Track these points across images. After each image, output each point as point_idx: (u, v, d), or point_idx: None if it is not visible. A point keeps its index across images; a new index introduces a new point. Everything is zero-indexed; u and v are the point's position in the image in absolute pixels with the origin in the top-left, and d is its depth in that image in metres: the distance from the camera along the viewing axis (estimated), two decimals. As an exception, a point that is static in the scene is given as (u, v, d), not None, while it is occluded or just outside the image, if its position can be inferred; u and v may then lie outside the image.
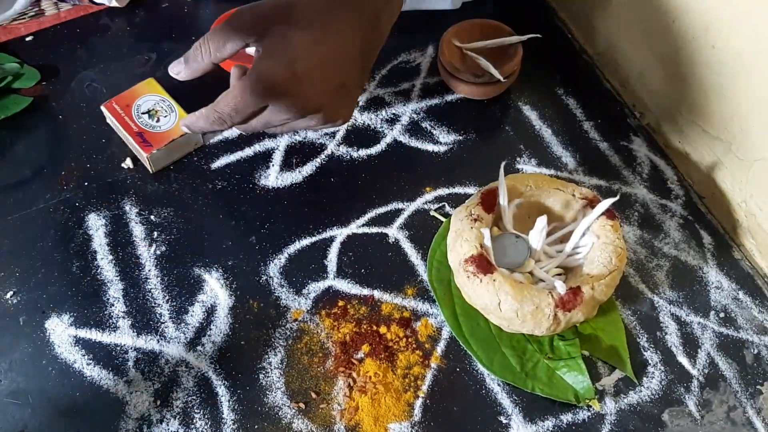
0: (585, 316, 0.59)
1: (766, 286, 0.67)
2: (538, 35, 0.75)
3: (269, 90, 0.57)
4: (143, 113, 0.71)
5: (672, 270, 0.67)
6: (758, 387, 0.61)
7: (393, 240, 0.68)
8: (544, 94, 0.78)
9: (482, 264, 0.59)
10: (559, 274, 0.62)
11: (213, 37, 0.58)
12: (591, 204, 0.62)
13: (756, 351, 0.63)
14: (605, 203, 0.61)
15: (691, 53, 0.68)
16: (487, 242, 0.60)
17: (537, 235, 0.61)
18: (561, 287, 0.57)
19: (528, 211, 0.65)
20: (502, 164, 0.63)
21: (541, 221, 0.60)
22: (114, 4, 0.82)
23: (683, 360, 0.62)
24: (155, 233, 0.67)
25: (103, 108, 0.72)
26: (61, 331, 0.62)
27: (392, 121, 0.76)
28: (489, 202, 0.62)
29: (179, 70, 0.61)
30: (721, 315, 0.65)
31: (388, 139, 0.74)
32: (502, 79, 0.73)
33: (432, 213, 0.69)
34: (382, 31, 0.63)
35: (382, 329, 0.63)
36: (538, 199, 0.64)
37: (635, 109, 0.78)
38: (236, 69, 0.61)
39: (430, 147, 0.74)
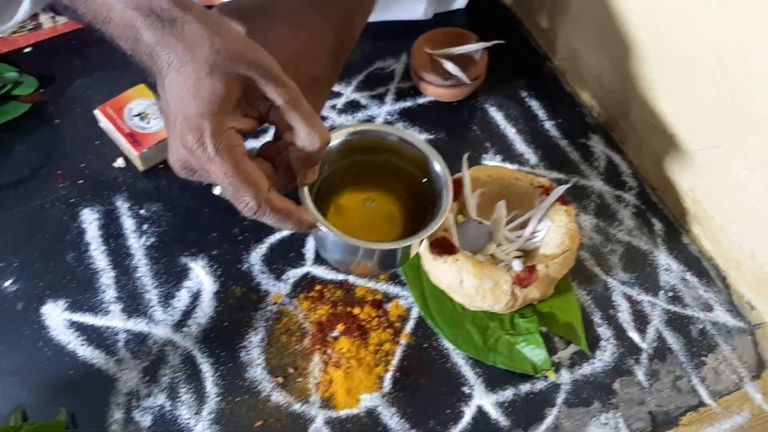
0: (541, 293, 0.64)
1: (711, 267, 0.72)
2: (502, 41, 0.81)
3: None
4: (134, 116, 0.76)
5: (625, 254, 0.72)
6: (703, 358, 0.66)
7: (367, 230, 0.73)
8: (510, 97, 0.84)
9: (446, 246, 0.64)
10: (519, 257, 0.67)
11: None
12: (547, 191, 0.67)
13: (701, 326, 0.68)
14: (559, 189, 0.66)
15: (640, 55, 0.73)
16: (451, 226, 0.65)
17: (497, 220, 0.66)
18: (517, 265, 0.62)
19: (490, 200, 0.70)
20: (465, 156, 0.68)
21: (500, 206, 0.65)
22: (108, 17, 0.87)
23: (633, 335, 0.67)
24: (145, 226, 0.72)
25: (97, 111, 0.77)
26: (56, 315, 0.67)
27: (368, 122, 0.81)
28: (454, 191, 0.67)
29: None
30: (670, 294, 0.70)
31: (363, 139, 0.80)
32: (468, 81, 0.78)
33: (403, 205, 0.75)
34: (354, 31, 0.69)
35: (356, 310, 0.67)
36: (498, 188, 0.69)
37: (593, 109, 0.83)
38: None
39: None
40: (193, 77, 0.45)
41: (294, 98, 0.48)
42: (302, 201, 0.52)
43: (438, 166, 0.56)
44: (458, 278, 0.63)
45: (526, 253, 0.68)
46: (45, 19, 0.88)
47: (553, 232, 0.65)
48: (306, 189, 0.52)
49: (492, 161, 0.78)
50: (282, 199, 0.49)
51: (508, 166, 0.78)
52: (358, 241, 0.52)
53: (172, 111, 0.47)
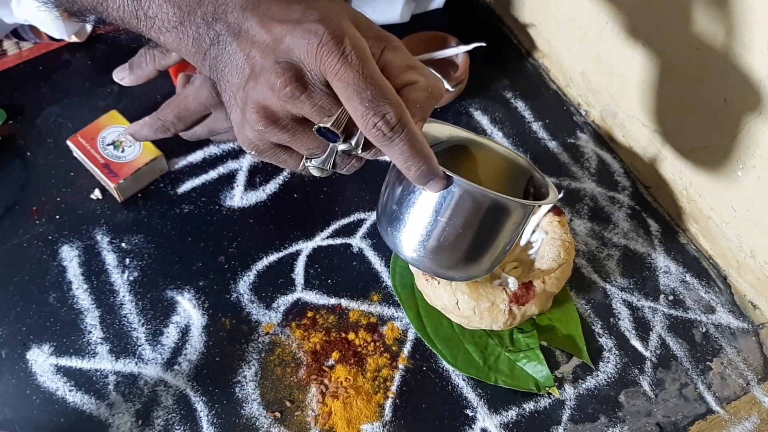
0: (539, 309, 0.62)
1: (711, 267, 0.71)
2: (483, 44, 0.78)
3: (211, 96, 0.58)
4: (108, 145, 0.74)
5: (622, 258, 0.71)
6: (708, 363, 0.65)
7: (357, 249, 0.71)
8: (494, 98, 0.82)
9: (439, 267, 0.62)
10: (515, 268, 0.65)
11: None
12: (539, 202, 0.65)
13: (704, 329, 0.67)
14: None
15: (624, 52, 0.71)
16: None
17: (489, 235, 0.64)
18: (513, 283, 0.61)
19: (481, 212, 0.68)
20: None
21: (492, 222, 0.63)
22: (74, 39, 0.84)
23: (636, 343, 0.66)
24: (127, 260, 0.70)
25: (69, 143, 0.74)
26: (42, 360, 0.64)
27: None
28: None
29: (123, 76, 0.62)
30: (670, 298, 0.68)
31: (347, 153, 0.77)
32: (450, 88, 0.76)
33: (392, 221, 0.72)
34: None
35: (351, 336, 0.66)
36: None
37: (580, 107, 0.81)
38: (183, 77, 0.62)
39: (387, 158, 0.77)
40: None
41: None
42: None
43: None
44: (453, 300, 0.61)
45: (523, 264, 0.66)
46: (9, 46, 0.85)
47: (548, 244, 0.64)
48: None
49: (480, 168, 0.76)
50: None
51: (497, 172, 0.75)
52: (503, 196, 0.47)
53: (258, 42, 0.43)
